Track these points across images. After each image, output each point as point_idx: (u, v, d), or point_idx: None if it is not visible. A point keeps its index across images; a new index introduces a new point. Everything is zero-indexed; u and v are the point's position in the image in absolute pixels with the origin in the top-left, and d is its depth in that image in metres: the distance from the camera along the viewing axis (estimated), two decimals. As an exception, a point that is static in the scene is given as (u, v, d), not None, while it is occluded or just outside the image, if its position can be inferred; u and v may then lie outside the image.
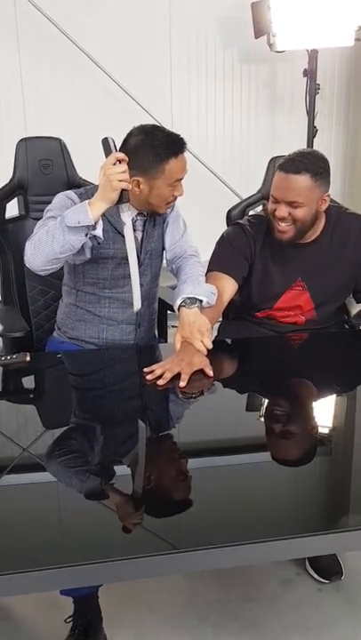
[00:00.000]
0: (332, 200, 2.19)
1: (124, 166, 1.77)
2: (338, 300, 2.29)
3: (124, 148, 1.95)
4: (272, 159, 2.51)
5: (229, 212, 2.53)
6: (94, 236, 1.87)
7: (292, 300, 2.22)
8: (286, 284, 2.21)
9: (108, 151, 1.80)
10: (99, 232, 1.86)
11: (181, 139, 1.98)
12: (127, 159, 1.79)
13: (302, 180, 2.01)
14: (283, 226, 2.08)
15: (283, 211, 2.05)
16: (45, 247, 1.83)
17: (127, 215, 1.84)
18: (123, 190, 1.78)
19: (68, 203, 1.96)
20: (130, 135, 1.98)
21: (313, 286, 2.20)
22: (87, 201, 1.81)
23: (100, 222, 1.85)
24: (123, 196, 1.79)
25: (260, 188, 2.54)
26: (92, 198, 1.81)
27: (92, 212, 1.78)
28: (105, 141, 1.81)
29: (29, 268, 1.92)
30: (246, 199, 2.58)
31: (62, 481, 1.46)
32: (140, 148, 1.93)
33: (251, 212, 2.48)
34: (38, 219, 2.01)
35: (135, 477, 1.43)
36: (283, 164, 2.06)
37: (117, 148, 1.82)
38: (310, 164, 2.03)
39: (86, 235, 1.83)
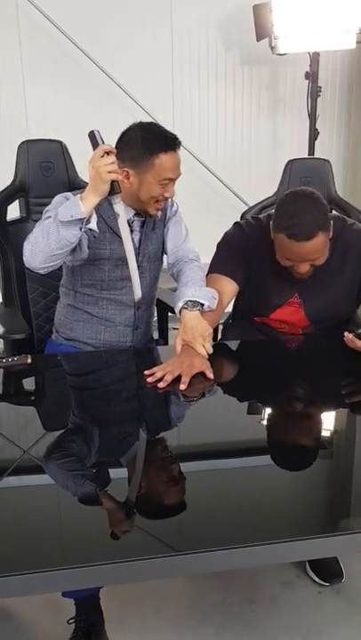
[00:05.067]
0: (343, 210, 2.15)
1: (113, 158, 1.78)
2: (336, 318, 2.22)
3: (120, 141, 1.98)
4: (289, 162, 2.48)
5: (243, 214, 2.51)
6: (90, 229, 1.88)
7: (288, 315, 2.20)
8: (283, 299, 2.18)
9: (95, 144, 1.81)
10: (93, 225, 1.87)
11: (175, 137, 1.99)
12: (115, 151, 1.80)
13: (318, 241, 1.96)
14: (304, 272, 2.05)
15: (304, 268, 2.02)
16: (42, 245, 1.84)
17: (120, 206, 1.86)
18: (113, 182, 1.79)
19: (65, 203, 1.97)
20: (127, 129, 2.02)
21: (309, 304, 2.17)
22: (79, 195, 1.83)
23: (95, 215, 1.86)
24: (113, 188, 1.80)
25: (276, 190, 2.52)
26: (84, 192, 1.82)
27: (83, 205, 1.79)
28: (92, 134, 1.82)
29: (29, 268, 1.93)
30: (261, 202, 2.54)
31: (60, 484, 1.46)
32: (133, 140, 1.96)
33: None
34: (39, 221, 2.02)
35: (131, 484, 1.43)
36: (292, 233, 1.94)
37: (104, 141, 1.83)
38: (317, 219, 1.95)
39: (81, 229, 1.83)
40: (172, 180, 2.00)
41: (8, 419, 1.85)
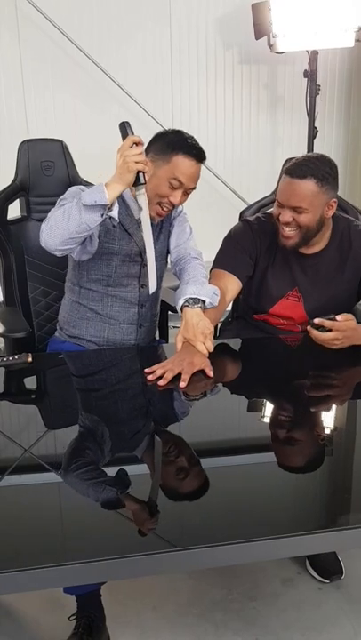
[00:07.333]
0: (343, 210, 2.15)
1: (141, 148, 1.80)
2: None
3: (154, 136, 2.05)
4: (287, 160, 2.50)
5: (242, 213, 2.51)
6: (110, 217, 1.89)
7: (287, 309, 2.20)
8: (282, 291, 2.20)
9: (125, 134, 1.84)
10: (114, 213, 1.88)
11: (202, 150, 2.03)
12: (143, 142, 1.83)
13: (307, 185, 1.99)
14: (287, 231, 2.06)
15: (287, 216, 2.04)
16: (61, 226, 1.85)
17: (143, 198, 1.88)
18: (138, 173, 1.81)
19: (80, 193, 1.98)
20: (166, 130, 2.10)
21: (308, 299, 2.18)
22: (104, 182, 1.84)
23: (117, 204, 1.88)
24: (138, 179, 1.82)
25: (275, 189, 2.52)
26: (109, 180, 1.83)
27: (108, 192, 1.80)
28: (122, 125, 1.85)
29: (45, 249, 1.92)
30: (260, 200, 2.55)
31: (81, 494, 1.44)
32: (163, 137, 2.04)
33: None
34: (40, 220, 2.03)
35: (152, 482, 1.43)
36: (288, 168, 2.04)
37: (134, 132, 1.85)
38: (316, 168, 2.00)
39: (102, 215, 1.83)
40: (182, 186, 2.02)
41: (9, 417, 1.86)
